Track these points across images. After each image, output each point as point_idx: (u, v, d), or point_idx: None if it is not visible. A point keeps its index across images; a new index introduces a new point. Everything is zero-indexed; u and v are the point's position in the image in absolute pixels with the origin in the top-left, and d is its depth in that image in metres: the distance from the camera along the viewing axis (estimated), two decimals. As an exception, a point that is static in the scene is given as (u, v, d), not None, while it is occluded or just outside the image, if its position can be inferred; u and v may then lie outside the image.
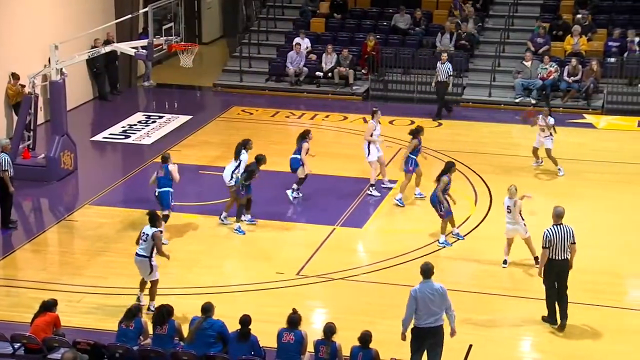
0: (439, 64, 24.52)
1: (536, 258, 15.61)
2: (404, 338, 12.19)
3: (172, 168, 17.01)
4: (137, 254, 14.47)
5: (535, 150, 20.70)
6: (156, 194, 17.14)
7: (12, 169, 17.78)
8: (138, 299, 14.55)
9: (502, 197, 18.93)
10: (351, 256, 16.97)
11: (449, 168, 17.13)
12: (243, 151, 17.71)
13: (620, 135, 23.67)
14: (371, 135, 19.21)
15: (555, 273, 13.86)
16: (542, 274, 13.99)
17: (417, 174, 18.93)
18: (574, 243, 13.85)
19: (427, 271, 12.10)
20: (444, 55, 24.59)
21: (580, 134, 23.77)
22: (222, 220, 17.84)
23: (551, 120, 20.38)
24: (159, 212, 15.30)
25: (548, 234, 13.77)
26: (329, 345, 11.79)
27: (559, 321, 14.00)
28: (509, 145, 22.32)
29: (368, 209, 18.77)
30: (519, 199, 15.82)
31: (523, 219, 15.92)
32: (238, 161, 17.58)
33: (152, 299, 14.55)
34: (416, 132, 18.81)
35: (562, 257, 13.78)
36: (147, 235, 14.36)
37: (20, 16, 22.93)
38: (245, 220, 17.70)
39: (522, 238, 15.98)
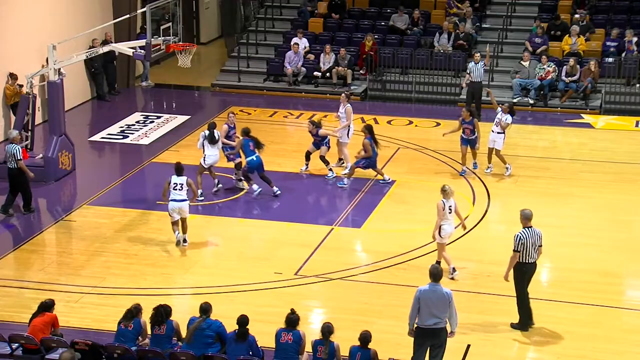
0: (472, 64, 24.40)
1: (453, 268, 15.50)
2: (410, 334, 12.22)
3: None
4: (176, 200, 16.53)
5: (489, 152, 20.40)
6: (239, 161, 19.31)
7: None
8: (179, 237, 16.72)
9: (500, 197, 19.03)
10: (349, 256, 16.96)
11: None
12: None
13: (618, 135, 23.69)
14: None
15: (528, 277, 13.88)
16: (514, 278, 13.91)
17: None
18: (541, 246, 13.82)
19: (434, 275, 12.06)
20: (477, 55, 24.41)
21: (578, 133, 23.79)
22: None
23: (508, 119, 20.06)
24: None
25: (521, 237, 13.64)
26: (327, 345, 11.80)
27: (529, 325, 14.03)
28: (507, 145, 22.23)
29: (367, 208, 18.76)
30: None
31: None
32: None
33: (185, 231, 16.82)
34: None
35: (532, 261, 13.76)
36: (182, 183, 16.52)
37: (18, 16, 22.91)
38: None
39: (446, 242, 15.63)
